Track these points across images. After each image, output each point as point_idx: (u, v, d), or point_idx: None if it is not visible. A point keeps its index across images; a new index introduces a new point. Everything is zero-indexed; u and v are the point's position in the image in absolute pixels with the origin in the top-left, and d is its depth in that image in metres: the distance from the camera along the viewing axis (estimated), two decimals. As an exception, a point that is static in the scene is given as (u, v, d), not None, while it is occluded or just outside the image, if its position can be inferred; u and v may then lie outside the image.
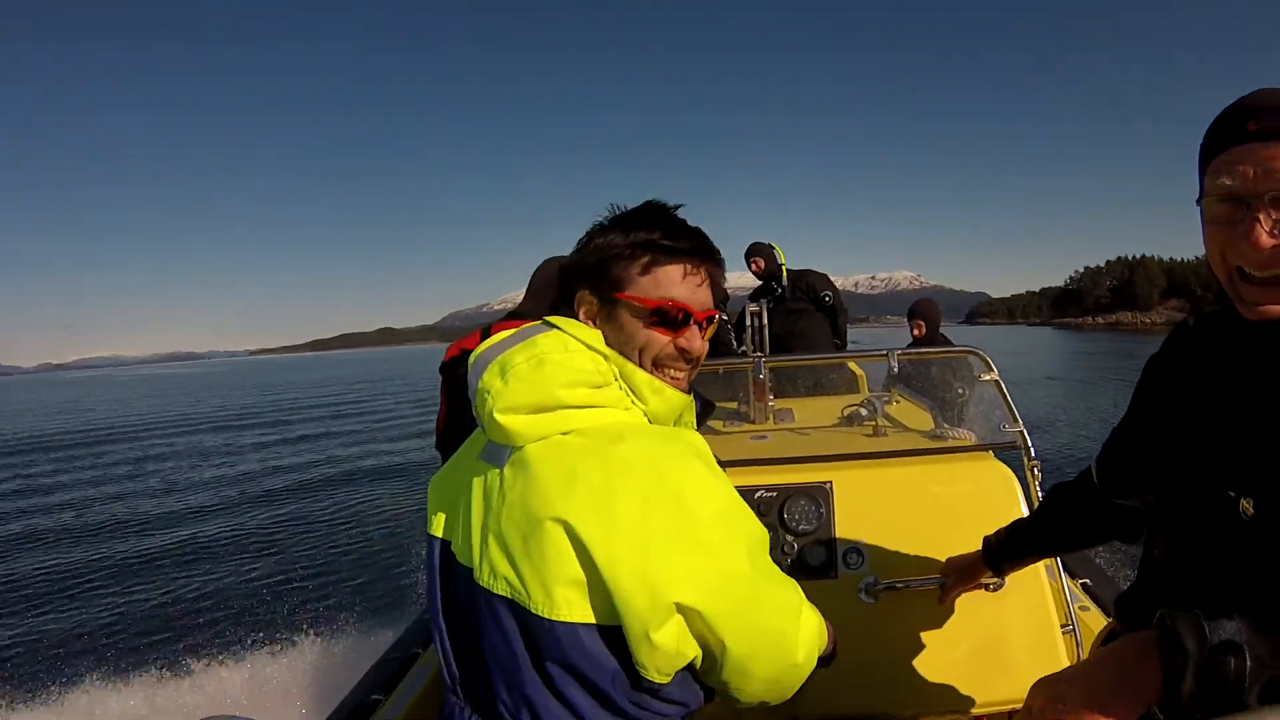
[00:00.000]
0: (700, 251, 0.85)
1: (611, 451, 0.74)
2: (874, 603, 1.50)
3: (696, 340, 0.85)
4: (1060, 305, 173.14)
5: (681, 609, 0.72)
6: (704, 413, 0.94)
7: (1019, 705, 1.45)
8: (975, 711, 1.47)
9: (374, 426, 17.92)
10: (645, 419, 0.82)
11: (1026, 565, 1.35)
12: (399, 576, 6.05)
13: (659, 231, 0.83)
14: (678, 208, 0.87)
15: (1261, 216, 0.66)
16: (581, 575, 0.72)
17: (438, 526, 0.88)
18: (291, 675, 3.87)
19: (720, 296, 0.90)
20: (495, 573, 0.76)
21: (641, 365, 0.83)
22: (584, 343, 0.81)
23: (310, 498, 9.65)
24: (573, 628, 0.73)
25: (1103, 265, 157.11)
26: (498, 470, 0.79)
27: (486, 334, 1.80)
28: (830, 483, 1.61)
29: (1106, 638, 1.04)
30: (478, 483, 0.82)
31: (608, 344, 0.83)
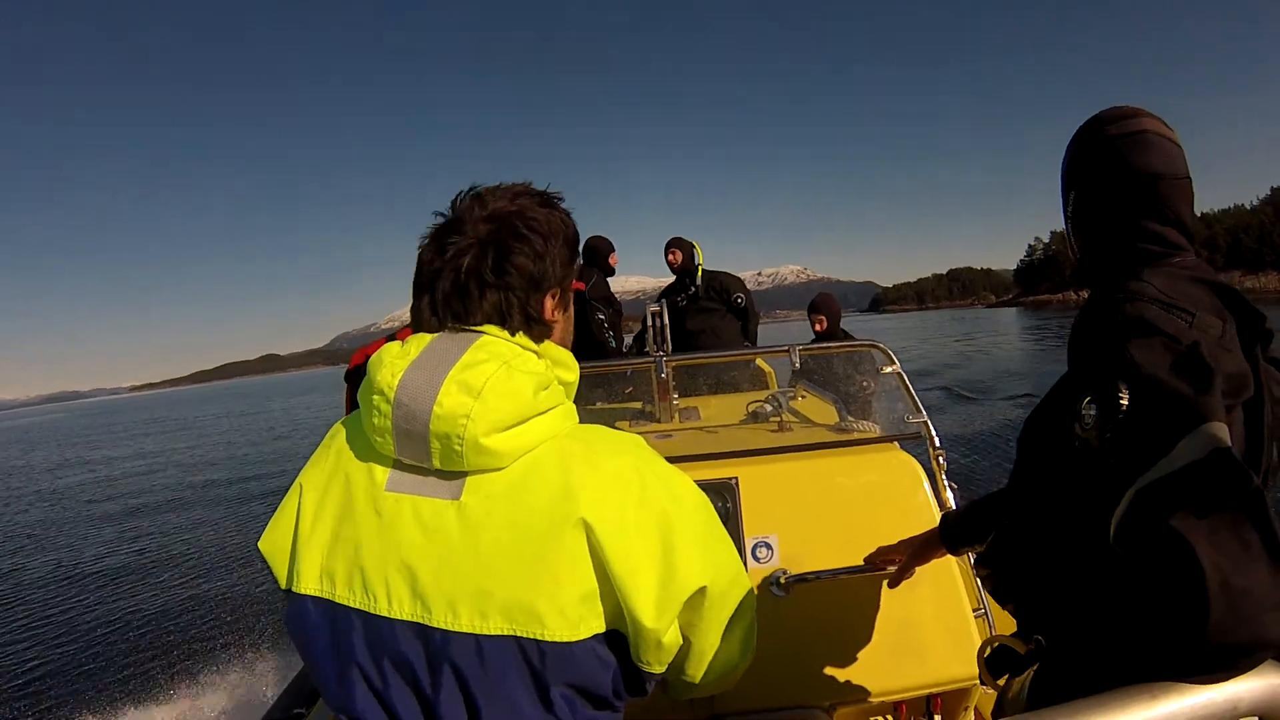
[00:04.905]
0: None
1: (602, 465, 0.76)
2: (785, 596, 1.57)
3: None
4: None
5: (689, 599, 0.77)
6: None
7: (935, 690, 1.59)
8: (893, 698, 1.57)
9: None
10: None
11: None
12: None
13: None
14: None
15: None
16: (594, 586, 0.73)
17: (312, 583, 0.78)
18: (213, 701, 4.01)
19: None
20: (482, 612, 0.72)
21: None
22: (522, 346, 0.80)
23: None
24: (588, 644, 0.73)
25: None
26: (447, 502, 0.75)
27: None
28: (736, 478, 1.69)
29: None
30: (405, 520, 0.75)
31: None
